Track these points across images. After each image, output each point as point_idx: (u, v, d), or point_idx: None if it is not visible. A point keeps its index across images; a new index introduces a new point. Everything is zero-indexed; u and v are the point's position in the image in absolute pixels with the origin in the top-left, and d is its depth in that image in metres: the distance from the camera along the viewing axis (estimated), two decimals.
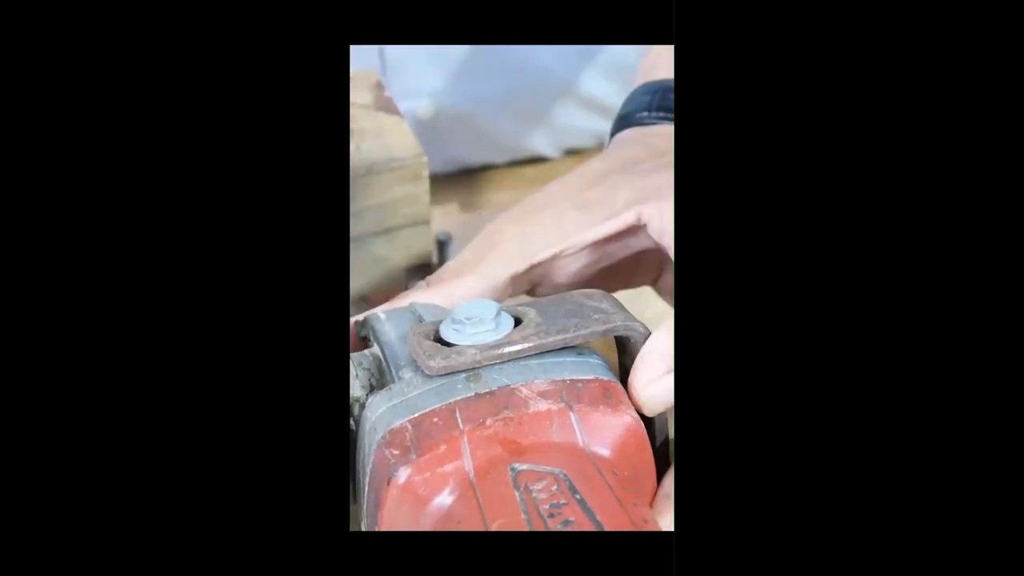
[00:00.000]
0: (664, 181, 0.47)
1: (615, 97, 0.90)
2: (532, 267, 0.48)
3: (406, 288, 0.59)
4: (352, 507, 0.43)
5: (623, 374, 0.43)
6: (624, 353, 0.44)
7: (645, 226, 0.47)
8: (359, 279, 0.60)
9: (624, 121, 0.55)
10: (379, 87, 0.64)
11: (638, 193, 0.48)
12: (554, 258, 0.48)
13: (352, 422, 0.42)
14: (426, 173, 0.60)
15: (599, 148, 0.93)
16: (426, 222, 0.62)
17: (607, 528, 0.35)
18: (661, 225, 0.47)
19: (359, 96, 0.63)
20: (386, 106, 0.63)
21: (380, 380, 0.43)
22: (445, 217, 0.80)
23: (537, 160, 0.93)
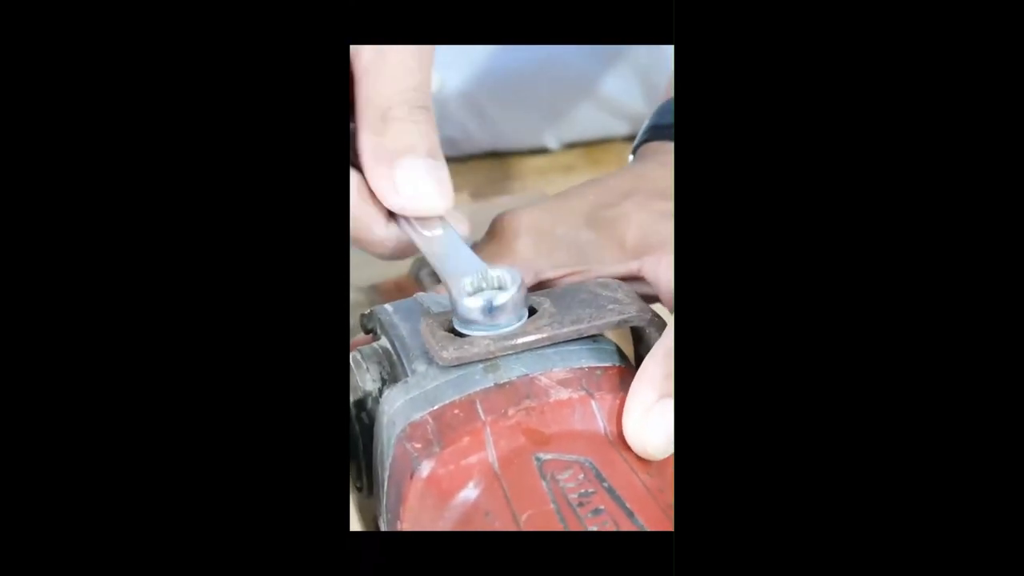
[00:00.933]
0: (671, 230, 0.46)
1: (620, 92, 0.90)
2: (541, 283, 0.47)
3: (416, 276, 0.59)
4: (366, 501, 0.43)
5: (639, 364, 0.42)
6: (640, 344, 0.43)
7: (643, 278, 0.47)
8: (367, 269, 0.59)
9: (653, 133, 0.54)
10: None
11: (646, 236, 0.47)
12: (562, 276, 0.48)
13: (365, 416, 0.42)
14: None
15: (600, 141, 0.93)
16: None
17: (638, 515, 0.34)
18: (656, 280, 0.46)
19: None
20: None
21: (392, 373, 0.42)
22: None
23: (539, 152, 0.92)
